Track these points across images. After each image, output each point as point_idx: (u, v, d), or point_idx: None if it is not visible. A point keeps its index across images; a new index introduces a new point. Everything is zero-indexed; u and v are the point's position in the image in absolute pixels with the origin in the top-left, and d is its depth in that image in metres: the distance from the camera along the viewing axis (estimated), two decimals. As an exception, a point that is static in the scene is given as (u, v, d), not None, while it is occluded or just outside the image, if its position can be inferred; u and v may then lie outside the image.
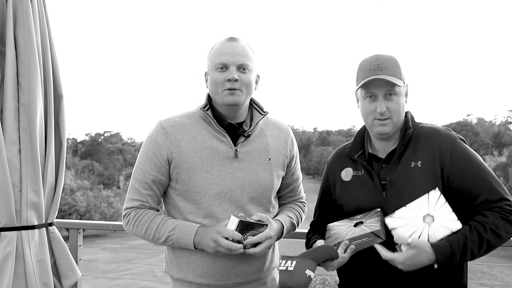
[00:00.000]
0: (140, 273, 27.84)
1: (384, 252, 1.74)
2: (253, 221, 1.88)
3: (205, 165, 1.97)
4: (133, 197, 2.03)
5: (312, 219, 2.20)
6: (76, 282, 3.22)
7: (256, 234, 1.86)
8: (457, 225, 1.72)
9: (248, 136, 2.03)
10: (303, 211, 2.26)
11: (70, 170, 54.55)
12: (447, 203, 1.75)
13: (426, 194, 1.77)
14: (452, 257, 1.70)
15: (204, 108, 2.02)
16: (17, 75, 2.45)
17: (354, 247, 1.77)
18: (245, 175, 2.00)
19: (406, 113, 1.99)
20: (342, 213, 2.01)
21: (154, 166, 1.99)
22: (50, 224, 2.64)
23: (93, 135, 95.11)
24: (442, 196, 1.76)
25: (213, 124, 1.99)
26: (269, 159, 2.06)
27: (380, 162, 1.94)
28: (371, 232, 1.73)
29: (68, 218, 37.43)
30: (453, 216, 1.74)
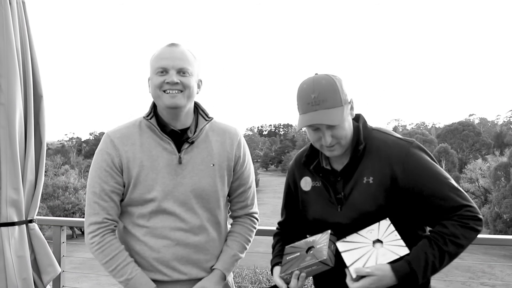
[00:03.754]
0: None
1: (350, 284, 1.75)
2: None
3: (151, 174, 2.02)
4: (94, 211, 2.04)
5: (280, 219, 2.22)
6: (60, 278, 3.30)
7: None
8: (404, 250, 1.74)
9: (192, 142, 2.07)
10: (250, 229, 2.28)
11: (74, 169, 54.64)
12: (395, 231, 1.77)
13: (377, 223, 1.81)
14: (413, 275, 1.71)
15: (147, 116, 2.07)
16: (-4, 76, 2.51)
17: (305, 275, 1.84)
18: (188, 181, 2.05)
19: (358, 118, 1.97)
20: (304, 218, 2.05)
21: (110, 176, 2.04)
22: (31, 221, 2.71)
23: (97, 134, 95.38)
24: (391, 225, 1.79)
25: (157, 132, 2.04)
26: (213, 164, 2.10)
27: (336, 174, 1.94)
28: (319, 261, 1.78)
29: (72, 217, 37.52)
30: (401, 242, 1.75)
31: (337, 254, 1.83)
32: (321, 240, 1.87)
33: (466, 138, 68.99)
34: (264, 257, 2.97)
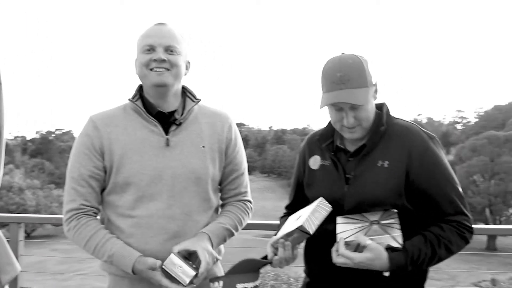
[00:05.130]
0: (92, 274, 27.21)
1: (342, 250, 1.68)
2: (182, 259, 1.81)
3: (135, 156, 1.91)
4: (71, 197, 1.93)
5: (287, 203, 2.15)
6: (17, 279, 3.11)
7: (192, 263, 1.82)
8: (397, 242, 1.70)
9: (180, 124, 1.97)
10: (244, 211, 2.12)
11: (19, 169, 52.80)
12: (398, 222, 1.73)
13: (384, 211, 1.76)
14: (405, 269, 1.70)
15: (133, 98, 1.98)
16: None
17: (290, 243, 1.74)
18: (177, 164, 1.93)
19: (382, 106, 1.92)
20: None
21: (89, 160, 1.92)
22: (-13, 217, 2.53)
23: (44, 133, 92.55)
24: (396, 215, 1.74)
25: (143, 114, 1.94)
26: (203, 146, 1.99)
27: (347, 154, 1.90)
28: (297, 228, 1.69)
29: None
30: (399, 233, 1.72)
31: (331, 233, 1.76)
32: (308, 208, 1.80)
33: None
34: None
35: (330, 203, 1.83)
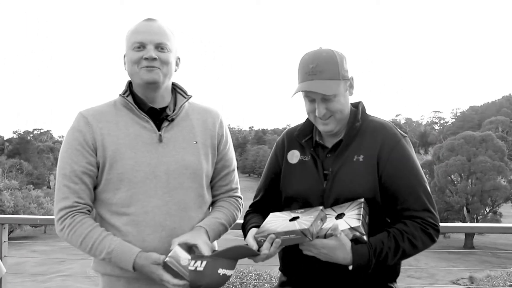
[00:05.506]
0: (72, 275, 26.86)
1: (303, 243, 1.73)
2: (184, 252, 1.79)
3: (128, 152, 1.88)
4: (64, 195, 1.87)
5: (253, 201, 2.13)
6: (0, 281, 3.08)
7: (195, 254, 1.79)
8: (355, 222, 1.72)
9: (172, 120, 1.96)
10: (236, 208, 2.12)
11: (-4, 169, 51.79)
12: (362, 209, 1.76)
13: (351, 201, 1.80)
14: (368, 262, 1.72)
15: (124, 94, 1.95)
16: None
17: (280, 241, 1.73)
18: (170, 160, 1.92)
19: (358, 104, 1.97)
20: (283, 196, 1.99)
21: (82, 156, 1.88)
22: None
23: (22, 133, 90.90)
24: (363, 204, 1.77)
25: (134, 110, 1.92)
26: (196, 142, 1.98)
27: (325, 150, 1.93)
28: (300, 230, 1.68)
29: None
30: (356, 217, 1.74)
31: None
32: (310, 212, 1.80)
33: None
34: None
35: (307, 200, 1.87)
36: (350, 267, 1.73)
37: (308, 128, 2.00)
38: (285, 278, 2.03)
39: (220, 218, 2.01)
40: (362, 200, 1.80)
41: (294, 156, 1.99)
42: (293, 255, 1.88)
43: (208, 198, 2.05)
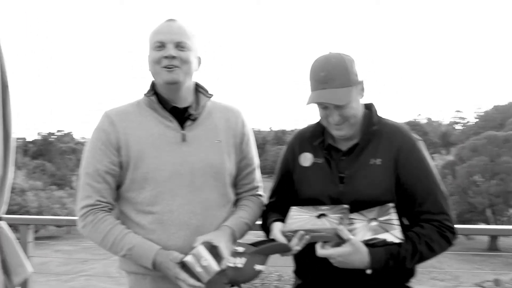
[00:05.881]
0: (95, 275, 27.20)
1: (320, 251, 1.72)
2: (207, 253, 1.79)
3: (153, 151, 1.91)
4: (87, 193, 1.91)
5: (268, 201, 2.15)
6: (27, 281, 3.13)
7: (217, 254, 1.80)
8: (397, 238, 1.72)
9: (195, 119, 1.98)
10: (260, 206, 2.14)
11: (21, 170, 52.69)
12: (395, 215, 1.76)
13: (379, 207, 1.80)
14: (386, 265, 1.72)
15: (148, 94, 1.98)
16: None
17: (310, 238, 1.74)
18: (194, 159, 1.94)
19: (370, 106, 1.96)
20: (297, 198, 1.98)
21: (105, 156, 1.91)
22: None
23: (45, 134, 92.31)
24: (393, 209, 1.78)
25: (158, 109, 1.95)
26: (219, 141, 2.00)
27: (339, 153, 1.93)
28: (333, 228, 1.69)
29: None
30: (397, 228, 1.74)
31: None
32: (336, 210, 1.79)
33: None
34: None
35: (325, 202, 1.87)
36: (369, 271, 1.72)
37: (319, 130, 1.99)
38: (301, 281, 2.04)
39: (245, 217, 2.03)
40: (392, 205, 1.79)
41: (306, 159, 1.99)
42: (307, 256, 1.88)
43: (232, 197, 2.07)
